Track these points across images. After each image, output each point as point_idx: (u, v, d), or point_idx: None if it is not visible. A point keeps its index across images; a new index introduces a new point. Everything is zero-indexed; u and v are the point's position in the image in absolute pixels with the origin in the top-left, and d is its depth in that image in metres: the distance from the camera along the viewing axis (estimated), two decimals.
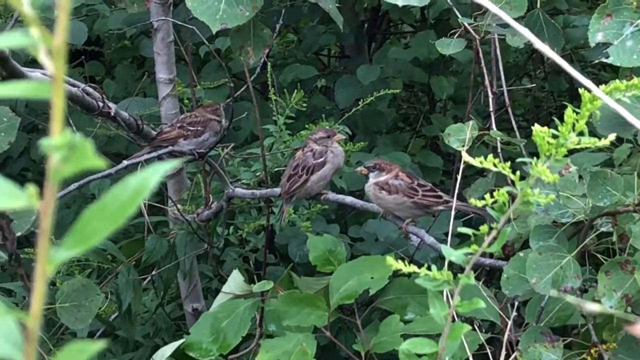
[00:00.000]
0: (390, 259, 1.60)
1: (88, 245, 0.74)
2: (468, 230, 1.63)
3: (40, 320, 0.74)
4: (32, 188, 0.74)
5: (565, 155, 1.55)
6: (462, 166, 2.48)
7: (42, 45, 0.72)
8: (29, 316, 0.74)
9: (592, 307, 1.22)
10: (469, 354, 2.61)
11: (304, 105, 3.77)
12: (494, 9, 1.13)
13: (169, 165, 0.77)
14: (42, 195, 0.74)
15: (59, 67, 0.71)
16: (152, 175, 0.76)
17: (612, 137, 1.61)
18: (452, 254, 1.63)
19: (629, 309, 2.39)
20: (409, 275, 1.62)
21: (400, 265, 1.62)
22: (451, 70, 5.10)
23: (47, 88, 0.73)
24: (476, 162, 1.65)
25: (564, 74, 5.07)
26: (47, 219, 0.73)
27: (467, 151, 2.91)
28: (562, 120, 1.61)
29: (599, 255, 2.62)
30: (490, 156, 1.63)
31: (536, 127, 1.61)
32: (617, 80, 1.64)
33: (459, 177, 2.55)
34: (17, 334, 0.76)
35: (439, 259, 3.91)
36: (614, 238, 2.58)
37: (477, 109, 4.50)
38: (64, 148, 0.71)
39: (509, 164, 1.61)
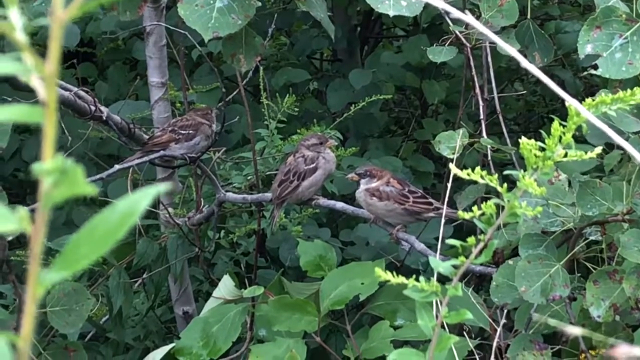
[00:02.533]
0: (379, 270, 1.62)
1: (77, 268, 0.75)
2: (456, 242, 1.64)
3: (29, 340, 0.76)
4: (23, 211, 0.75)
5: (555, 162, 1.56)
6: (452, 175, 2.49)
7: (34, 72, 0.73)
8: (19, 338, 0.75)
9: (574, 330, 1.23)
10: None
11: (296, 109, 3.78)
12: (478, 26, 1.14)
13: (159, 189, 0.78)
14: (33, 219, 0.75)
15: (51, 94, 0.73)
16: (140, 200, 0.77)
17: (598, 150, 1.63)
18: (440, 266, 1.64)
19: (617, 318, 2.41)
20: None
21: (388, 276, 1.64)
22: (443, 73, 5.11)
23: (39, 113, 0.74)
24: (463, 174, 1.66)
25: (556, 79, 5.10)
26: (38, 243, 0.75)
27: (458, 157, 2.92)
28: (550, 132, 1.62)
29: (587, 264, 2.64)
30: (478, 168, 1.64)
31: (523, 140, 1.62)
32: (604, 93, 1.66)
33: (449, 185, 2.56)
34: (8, 355, 0.77)
35: (430, 264, 3.92)
36: (603, 245, 2.60)
37: (468, 113, 4.52)
38: (55, 173, 0.72)
39: (496, 176, 1.62)
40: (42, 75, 0.73)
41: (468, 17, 1.10)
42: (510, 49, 1.17)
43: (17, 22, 0.76)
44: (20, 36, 0.75)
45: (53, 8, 0.72)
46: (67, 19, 0.72)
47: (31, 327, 0.75)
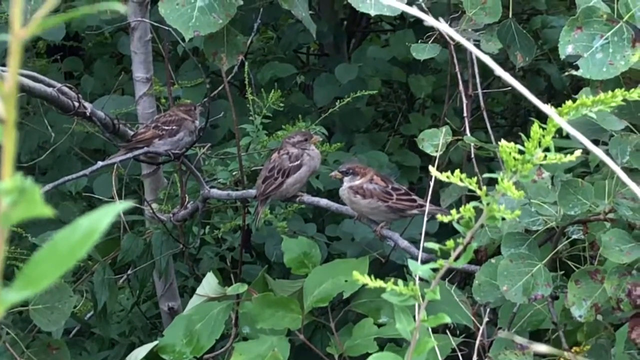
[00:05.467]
0: (356, 274, 1.61)
1: (38, 288, 0.74)
2: (434, 246, 1.64)
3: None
4: None
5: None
6: (434, 175, 2.48)
7: None
8: None
9: (540, 348, 1.23)
10: (440, 358, 2.62)
11: (282, 105, 3.77)
12: (453, 34, 1.14)
13: (121, 207, 0.78)
14: None
15: (10, 112, 0.72)
16: (102, 218, 0.76)
17: (577, 153, 1.62)
18: (419, 269, 1.63)
19: (599, 317, 2.41)
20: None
21: (366, 279, 1.63)
22: (430, 68, 5.11)
23: None
24: (443, 176, 1.65)
25: (542, 73, 5.10)
26: None
27: (442, 154, 2.92)
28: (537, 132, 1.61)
29: (570, 263, 2.64)
30: (457, 171, 1.63)
31: (502, 143, 1.61)
32: (585, 94, 1.65)
33: (431, 183, 2.55)
34: None
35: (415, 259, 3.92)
36: (586, 244, 2.60)
37: (454, 108, 4.51)
38: (14, 193, 0.71)
39: (475, 179, 1.62)
40: (1, 92, 0.72)
41: (442, 25, 1.10)
42: (484, 57, 1.16)
43: None
44: None
45: (12, 25, 0.71)
46: (26, 36, 0.71)
47: None
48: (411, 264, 1.66)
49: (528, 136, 1.58)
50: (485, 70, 3.42)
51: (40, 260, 0.75)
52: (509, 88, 4.22)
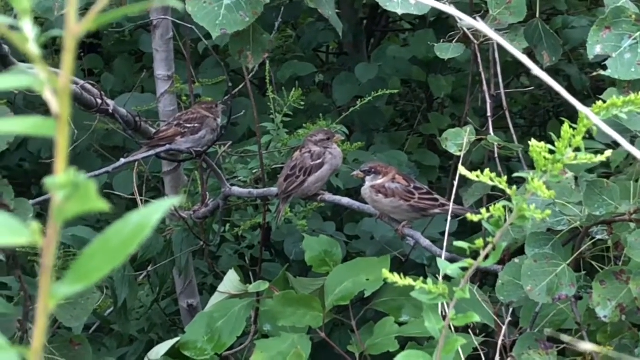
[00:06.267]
0: (386, 272, 1.61)
1: (90, 281, 0.75)
2: (464, 244, 1.64)
3: (40, 354, 0.75)
4: (35, 225, 0.74)
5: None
6: (458, 172, 2.48)
7: (48, 85, 0.72)
8: (30, 351, 0.75)
9: (587, 346, 1.23)
10: (463, 358, 2.62)
11: (302, 103, 3.77)
12: (490, 32, 1.14)
13: (170, 202, 0.78)
14: (45, 232, 0.75)
15: (63, 107, 0.72)
16: (153, 213, 0.77)
17: (608, 153, 1.63)
18: (448, 268, 1.64)
19: (623, 318, 2.40)
20: (405, 276, 1.63)
21: (395, 277, 1.63)
22: (449, 67, 5.10)
23: (51, 126, 0.73)
24: (473, 175, 1.65)
25: (562, 74, 5.08)
26: (49, 256, 0.74)
27: (465, 154, 2.91)
28: (562, 131, 1.61)
29: (594, 263, 2.63)
30: (487, 170, 1.63)
31: (533, 142, 1.61)
32: (613, 93, 1.65)
33: (455, 182, 2.56)
34: None
35: (434, 259, 3.93)
36: (610, 244, 2.59)
37: (474, 107, 4.51)
38: (68, 187, 0.72)
39: (505, 178, 1.61)
40: (55, 88, 0.72)
41: (480, 24, 1.10)
42: (520, 55, 1.16)
43: (30, 34, 0.76)
44: (33, 48, 0.74)
45: (67, 21, 0.72)
46: (81, 32, 0.71)
47: (42, 340, 0.74)
48: (440, 262, 1.66)
49: (558, 136, 1.58)
50: (504, 70, 3.42)
51: (92, 254, 0.76)
52: (532, 89, 4.22)
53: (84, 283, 0.75)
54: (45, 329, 0.74)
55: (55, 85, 0.72)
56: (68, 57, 0.70)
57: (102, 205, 0.71)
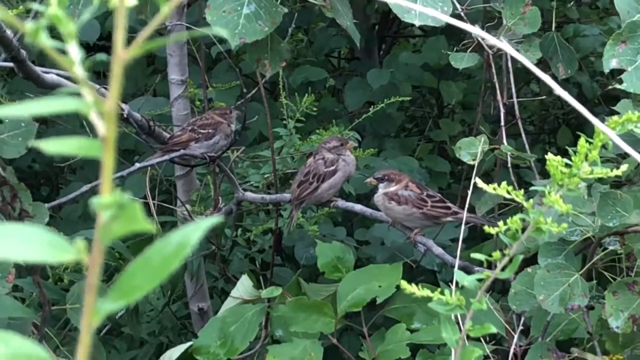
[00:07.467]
0: (404, 283, 1.63)
1: (131, 298, 0.77)
2: (481, 256, 1.65)
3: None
4: (80, 243, 0.77)
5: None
6: (472, 182, 2.50)
7: (94, 108, 0.75)
8: None
9: (597, 358, 1.24)
10: None
11: (315, 109, 3.79)
12: (510, 50, 1.16)
13: (210, 221, 0.80)
14: (90, 250, 0.77)
15: (110, 130, 0.74)
16: (193, 232, 0.79)
17: (624, 167, 1.65)
18: (465, 279, 1.65)
19: (635, 329, 2.42)
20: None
21: (413, 288, 1.65)
22: (460, 73, 5.12)
23: (97, 147, 0.76)
24: (489, 188, 1.67)
25: (572, 81, 5.10)
26: (94, 273, 0.76)
27: (478, 163, 2.93)
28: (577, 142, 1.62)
29: (606, 273, 2.65)
30: (504, 183, 1.64)
31: (550, 157, 1.63)
32: (627, 106, 1.67)
33: (469, 192, 2.58)
34: None
35: (445, 265, 3.95)
36: (622, 255, 2.61)
37: (484, 114, 4.52)
38: (114, 207, 0.74)
39: (522, 191, 1.63)
40: (101, 111, 0.75)
41: (504, 45, 1.12)
42: (536, 69, 1.18)
43: (76, 57, 0.78)
44: (79, 71, 0.76)
45: (115, 47, 0.74)
46: (128, 58, 0.74)
47: (87, 357, 0.76)
48: (457, 274, 1.68)
49: (568, 145, 1.61)
50: (515, 77, 3.43)
51: (134, 272, 0.78)
52: (543, 97, 4.24)
53: (127, 300, 0.77)
54: (89, 346, 0.77)
55: (101, 109, 0.74)
56: (115, 83, 0.73)
57: (148, 226, 0.73)
